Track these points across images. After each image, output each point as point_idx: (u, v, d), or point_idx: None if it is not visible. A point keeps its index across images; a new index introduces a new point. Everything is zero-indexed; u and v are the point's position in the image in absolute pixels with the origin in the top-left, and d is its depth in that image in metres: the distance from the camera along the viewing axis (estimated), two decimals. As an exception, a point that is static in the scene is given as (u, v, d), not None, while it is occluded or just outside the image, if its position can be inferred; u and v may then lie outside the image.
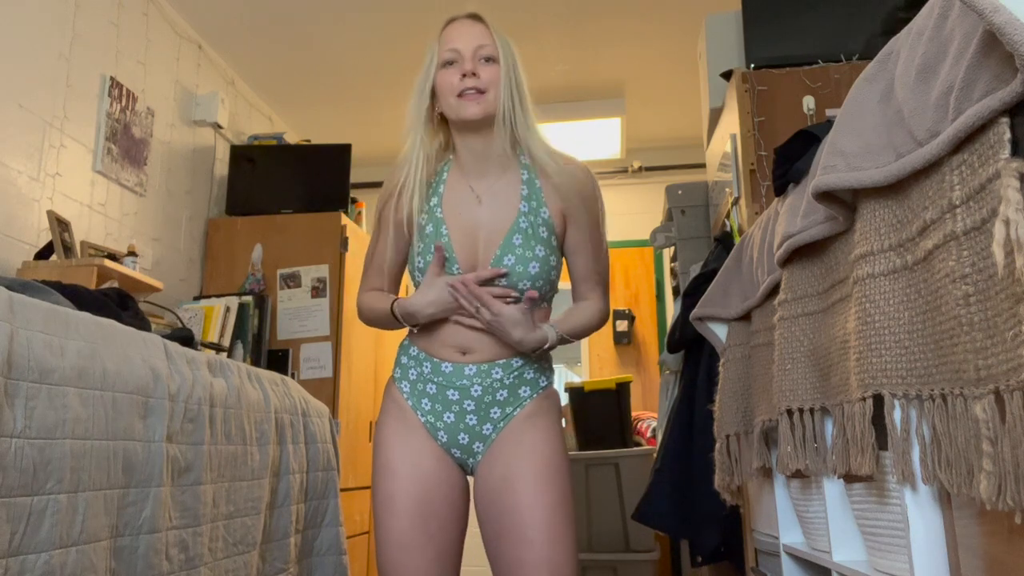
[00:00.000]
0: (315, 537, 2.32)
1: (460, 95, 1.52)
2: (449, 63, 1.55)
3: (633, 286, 5.37)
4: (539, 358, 1.58)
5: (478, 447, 1.54)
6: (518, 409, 1.54)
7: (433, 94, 1.58)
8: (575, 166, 1.59)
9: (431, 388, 1.55)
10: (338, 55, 3.98)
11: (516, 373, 1.55)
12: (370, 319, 1.66)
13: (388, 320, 1.60)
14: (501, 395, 1.54)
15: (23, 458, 1.15)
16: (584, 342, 5.46)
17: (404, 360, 1.61)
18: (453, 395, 1.53)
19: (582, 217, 1.59)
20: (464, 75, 1.52)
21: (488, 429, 1.53)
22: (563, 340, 1.56)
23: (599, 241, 1.62)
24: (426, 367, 1.56)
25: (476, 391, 1.53)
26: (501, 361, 1.54)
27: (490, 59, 1.55)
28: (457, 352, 1.55)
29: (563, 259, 1.63)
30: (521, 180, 1.58)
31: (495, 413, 1.53)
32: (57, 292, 1.65)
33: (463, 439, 1.54)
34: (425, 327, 1.58)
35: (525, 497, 1.46)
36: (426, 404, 1.55)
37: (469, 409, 1.53)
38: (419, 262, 1.57)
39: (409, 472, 1.51)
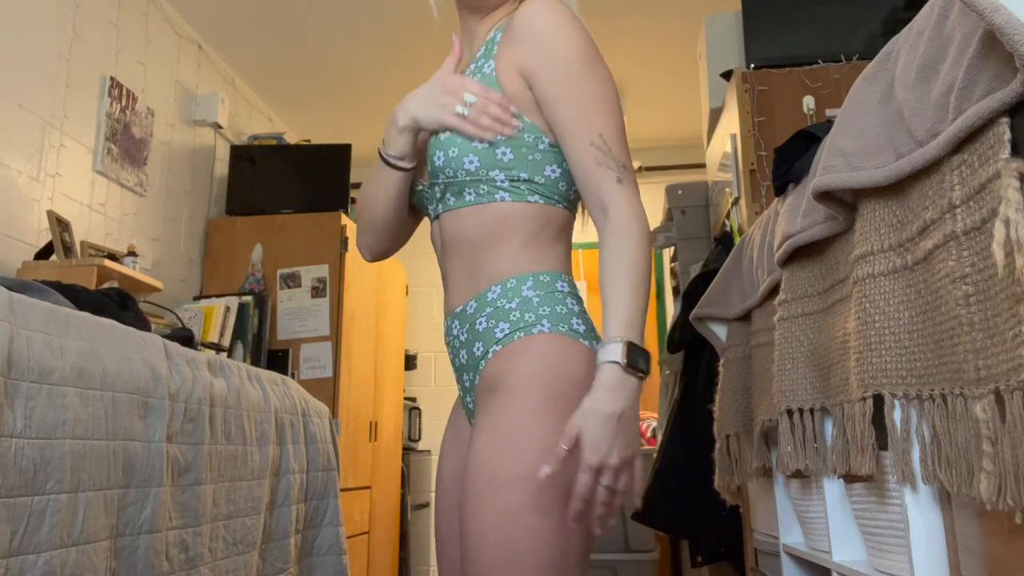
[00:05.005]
0: (315, 537, 2.32)
1: None
2: None
3: (633, 286, 5.36)
4: (503, 298, 1.11)
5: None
6: (477, 376, 1.13)
7: None
8: (536, 2, 1.13)
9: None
10: (338, 55, 3.98)
11: (468, 325, 1.14)
12: (364, 201, 1.31)
13: (379, 175, 1.26)
14: (463, 357, 1.15)
15: (23, 458, 1.15)
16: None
17: None
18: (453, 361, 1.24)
19: (538, 58, 1.10)
20: None
21: (470, 401, 1.18)
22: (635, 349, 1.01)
23: (586, 94, 1.09)
24: None
25: (452, 355, 1.21)
26: (458, 310, 1.16)
27: None
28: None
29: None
30: (487, 40, 1.21)
31: (467, 381, 1.16)
32: (57, 292, 1.65)
33: (472, 408, 1.19)
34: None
35: (462, 514, 1.05)
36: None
37: (458, 377, 1.20)
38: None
39: (452, 485, 1.24)
